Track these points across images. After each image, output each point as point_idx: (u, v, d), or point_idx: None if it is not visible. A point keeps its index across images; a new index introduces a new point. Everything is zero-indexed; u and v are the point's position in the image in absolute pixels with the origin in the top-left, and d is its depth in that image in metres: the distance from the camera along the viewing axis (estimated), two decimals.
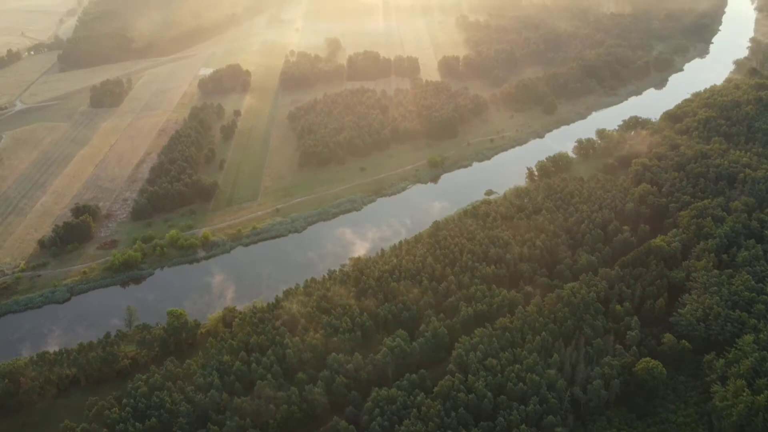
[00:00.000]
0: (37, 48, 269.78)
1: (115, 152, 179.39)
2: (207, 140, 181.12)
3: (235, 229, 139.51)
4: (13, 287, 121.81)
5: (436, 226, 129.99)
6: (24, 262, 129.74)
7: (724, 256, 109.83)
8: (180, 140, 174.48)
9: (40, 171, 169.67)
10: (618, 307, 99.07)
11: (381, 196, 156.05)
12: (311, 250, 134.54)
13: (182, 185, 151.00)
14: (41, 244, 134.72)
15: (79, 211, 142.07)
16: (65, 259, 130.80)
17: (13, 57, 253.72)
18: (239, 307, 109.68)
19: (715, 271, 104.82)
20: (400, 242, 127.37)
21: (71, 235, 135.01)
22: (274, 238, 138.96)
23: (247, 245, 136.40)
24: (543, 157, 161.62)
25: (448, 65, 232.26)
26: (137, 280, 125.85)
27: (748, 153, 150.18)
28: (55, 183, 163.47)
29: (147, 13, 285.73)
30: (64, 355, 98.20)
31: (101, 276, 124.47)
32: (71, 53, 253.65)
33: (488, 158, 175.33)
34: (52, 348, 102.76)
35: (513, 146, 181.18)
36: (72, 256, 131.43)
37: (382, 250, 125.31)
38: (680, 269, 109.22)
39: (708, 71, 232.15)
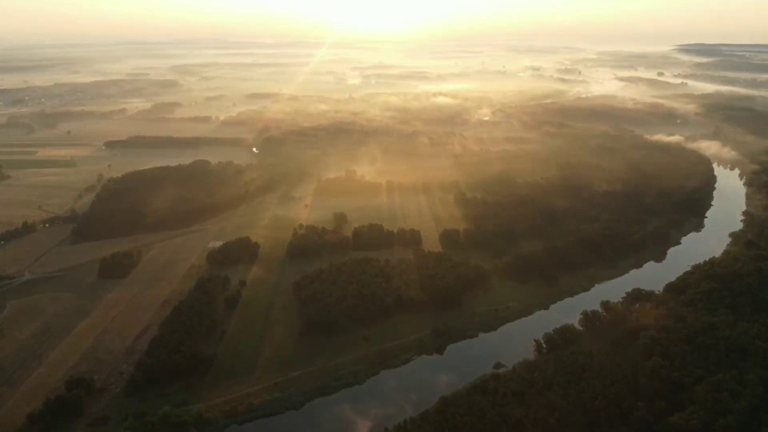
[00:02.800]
0: (53, 221, 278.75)
1: (116, 324, 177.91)
2: (210, 311, 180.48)
3: (231, 405, 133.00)
4: None
5: (444, 403, 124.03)
6: None
7: None
8: (183, 312, 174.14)
9: (40, 341, 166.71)
10: None
11: (385, 368, 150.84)
12: (308, 430, 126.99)
13: (181, 358, 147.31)
14: (30, 418, 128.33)
15: (72, 384, 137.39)
16: None
17: (27, 229, 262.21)
18: None
19: None
20: (405, 420, 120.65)
21: (61, 409, 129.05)
22: (269, 415, 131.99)
23: (241, 423, 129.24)
24: (549, 329, 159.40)
25: (448, 237, 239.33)
26: None
27: (756, 324, 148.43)
28: (53, 354, 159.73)
29: (163, 190, 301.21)
30: None
31: None
32: (85, 226, 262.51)
33: (494, 329, 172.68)
34: None
35: (518, 317, 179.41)
36: None
37: (386, 429, 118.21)
38: None
39: (705, 244, 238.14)
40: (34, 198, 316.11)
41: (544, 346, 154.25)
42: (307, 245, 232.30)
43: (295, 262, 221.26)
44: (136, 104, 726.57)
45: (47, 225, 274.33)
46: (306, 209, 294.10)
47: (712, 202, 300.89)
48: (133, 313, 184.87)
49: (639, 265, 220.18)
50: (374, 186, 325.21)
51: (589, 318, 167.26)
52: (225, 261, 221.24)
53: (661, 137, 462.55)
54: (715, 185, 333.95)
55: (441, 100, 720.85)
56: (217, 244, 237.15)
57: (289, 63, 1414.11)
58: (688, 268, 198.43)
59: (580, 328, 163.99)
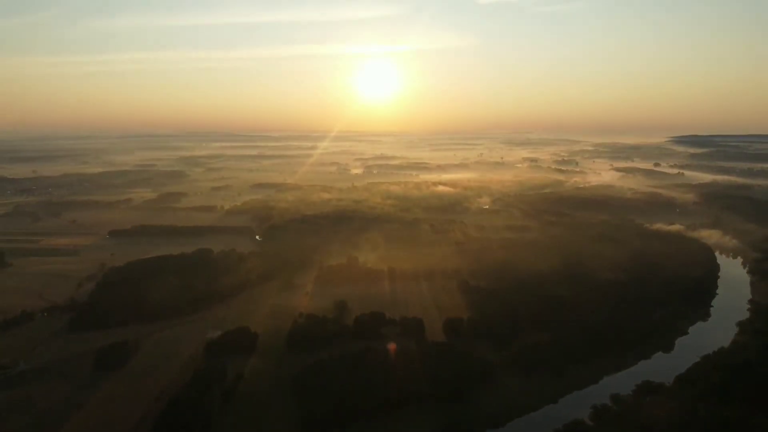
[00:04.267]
0: (52, 310, 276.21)
1: (110, 418, 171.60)
2: (205, 406, 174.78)
3: None
4: None
5: None
6: None
7: None
8: (177, 406, 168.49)
9: None
10: None
11: None
12: None
13: None
14: None
15: None
16: None
17: (26, 317, 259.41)
18: None
19: None
20: None
21: None
22: None
23: None
24: (558, 424, 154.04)
25: (452, 326, 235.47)
26: None
27: None
28: None
29: (164, 278, 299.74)
30: None
31: None
32: (84, 315, 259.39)
33: (501, 425, 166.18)
34: None
35: (526, 412, 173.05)
36: None
37: None
38: None
39: (713, 333, 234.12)
40: (35, 286, 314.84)
41: None
42: (307, 335, 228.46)
43: (294, 353, 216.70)
44: (142, 194, 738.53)
45: (46, 314, 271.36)
46: (307, 297, 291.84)
47: (717, 291, 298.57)
48: (128, 407, 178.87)
49: (647, 356, 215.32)
50: (376, 273, 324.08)
51: (599, 412, 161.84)
52: (223, 351, 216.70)
53: (662, 226, 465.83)
54: (719, 273, 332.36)
55: (441, 188, 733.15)
56: (217, 333, 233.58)
57: (294, 155, 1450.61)
58: (698, 359, 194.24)
59: (591, 423, 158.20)
